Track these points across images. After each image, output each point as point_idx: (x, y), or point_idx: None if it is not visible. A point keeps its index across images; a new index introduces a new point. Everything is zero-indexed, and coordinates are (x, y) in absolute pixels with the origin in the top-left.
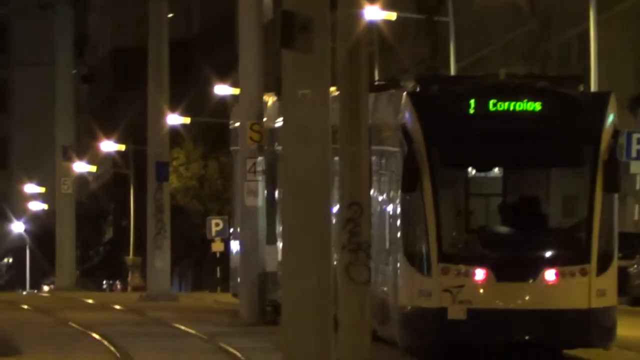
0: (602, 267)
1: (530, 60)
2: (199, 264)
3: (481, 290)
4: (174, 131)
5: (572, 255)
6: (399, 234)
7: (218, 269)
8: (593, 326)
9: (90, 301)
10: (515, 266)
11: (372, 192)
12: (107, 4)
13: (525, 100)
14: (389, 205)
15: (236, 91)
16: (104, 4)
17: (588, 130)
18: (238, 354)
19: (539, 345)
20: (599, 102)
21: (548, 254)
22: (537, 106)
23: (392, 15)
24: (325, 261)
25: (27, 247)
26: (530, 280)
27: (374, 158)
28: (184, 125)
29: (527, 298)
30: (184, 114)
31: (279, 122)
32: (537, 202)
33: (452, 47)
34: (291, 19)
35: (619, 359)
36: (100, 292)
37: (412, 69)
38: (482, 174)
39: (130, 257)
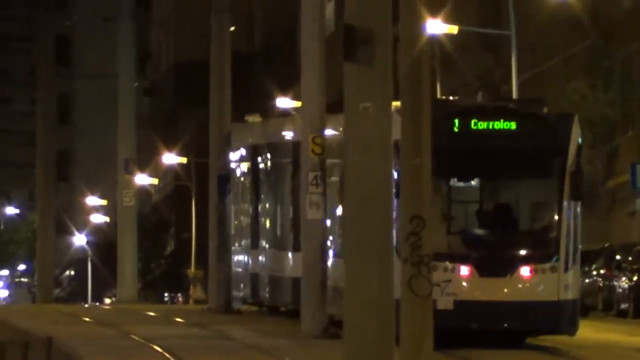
0: (568, 265)
1: (592, 74)
2: None
3: (466, 284)
4: None
5: (543, 254)
6: (393, 236)
7: None
8: (561, 316)
9: (152, 314)
10: (495, 263)
11: None
12: (170, 18)
13: (502, 120)
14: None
15: (298, 104)
16: (166, 17)
17: (556, 146)
18: None
19: (513, 332)
20: (565, 121)
21: (523, 253)
22: (512, 125)
23: (454, 29)
24: (387, 272)
25: (89, 259)
26: (508, 276)
27: None
28: None
29: (505, 291)
30: None
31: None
32: (512, 208)
33: (514, 61)
34: (353, 32)
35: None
36: (162, 304)
37: (473, 82)
38: (464, 184)
39: (192, 270)
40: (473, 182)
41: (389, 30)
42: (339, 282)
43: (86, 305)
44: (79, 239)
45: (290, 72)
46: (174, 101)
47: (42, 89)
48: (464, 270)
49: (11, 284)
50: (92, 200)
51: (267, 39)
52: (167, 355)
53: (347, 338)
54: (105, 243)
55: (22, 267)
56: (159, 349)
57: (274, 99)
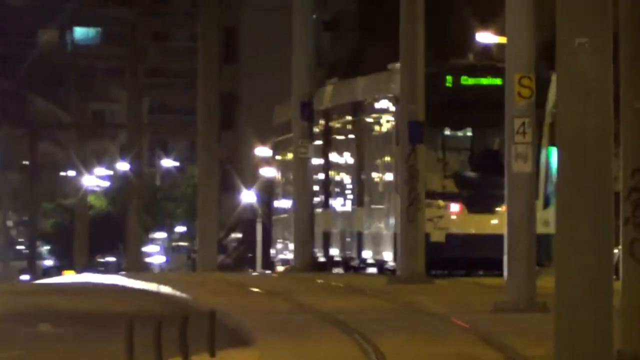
0: (546, 203)
1: None
2: None
3: (456, 219)
4: None
5: None
6: (393, 179)
7: None
8: (540, 248)
9: (331, 283)
10: (481, 201)
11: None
12: None
13: (489, 77)
14: (386, 157)
15: (502, 39)
16: None
17: (536, 98)
18: (503, 345)
19: (497, 262)
20: (544, 77)
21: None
22: (498, 81)
23: None
24: (606, 233)
25: (259, 220)
26: (493, 212)
27: (371, 123)
28: None
29: (490, 225)
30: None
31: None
32: (498, 154)
33: None
34: None
35: None
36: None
37: None
38: (457, 132)
39: None
40: (463, 131)
41: None
42: None
43: (255, 273)
44: (247, 196)
45: (493, 3)
46: (358, 35)
47: (205, 23)
48: (455, 207)
49: (169, 249)
50: (261, 151)
51: None
52: (349, 333)
53: (557, 309)
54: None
55: (181, 229)
56: (339, 324)
57: (474, 32)
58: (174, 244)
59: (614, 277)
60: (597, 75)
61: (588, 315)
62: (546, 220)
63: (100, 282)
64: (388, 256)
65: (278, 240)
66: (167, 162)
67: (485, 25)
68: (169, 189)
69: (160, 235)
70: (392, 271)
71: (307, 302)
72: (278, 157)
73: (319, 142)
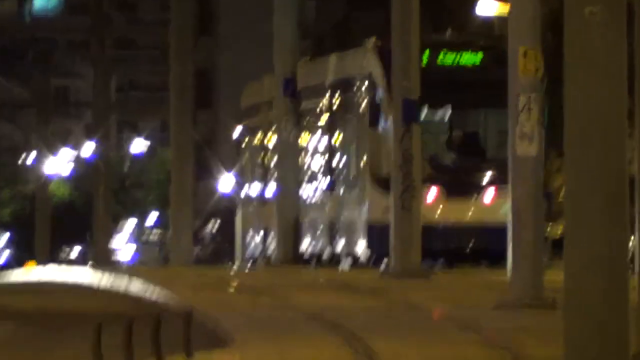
0: None
1: None
2: None
3: (433, 206)
4: None
5: (505, 178)
6: (366, 163)
7: None
8: None
9: (317, 278)
10: (461, 186)
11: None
12: None
13: (469, 52)
14: (355, 140)
15: (504, 8)
16: None
17: None
18: (507, 345)
19: (478, 252)
20: None
21: (486, 177)
22: (477, 58)
23: None
24: (619, 222)
25: (238, 208)
26: (473, 198)
27: (344, 103)
28: None
29: (470, 213)
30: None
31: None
32: (477, 136)
33: None
34: None
35: None
36: (327, 267)
37: None
38: (433, 113)
39: None
40: (440, 111)
41: None
42: None
43: (235, 267)
44: (226, 182)
45: None
46: (345, 5)
47: None
48: (432, 193)
49: (139, 240)
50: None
51: None
52: (339, 333)
53: (567, 305)
54: None
55: (151, 218)
56: (328, 323)
57: (472, 3)
58: (144, 235)
59: (629, 271)
60: (609, 48)
61: (601, 313)
62: None
63: (66, 276)
64: (362, 246)
65: (247, 233)
66: (137, 145)
67: None
68: (139, 175)
69: (130, 225)
70: (367, 262)
71: (292, 298)
72: (246, 142)
73: None
